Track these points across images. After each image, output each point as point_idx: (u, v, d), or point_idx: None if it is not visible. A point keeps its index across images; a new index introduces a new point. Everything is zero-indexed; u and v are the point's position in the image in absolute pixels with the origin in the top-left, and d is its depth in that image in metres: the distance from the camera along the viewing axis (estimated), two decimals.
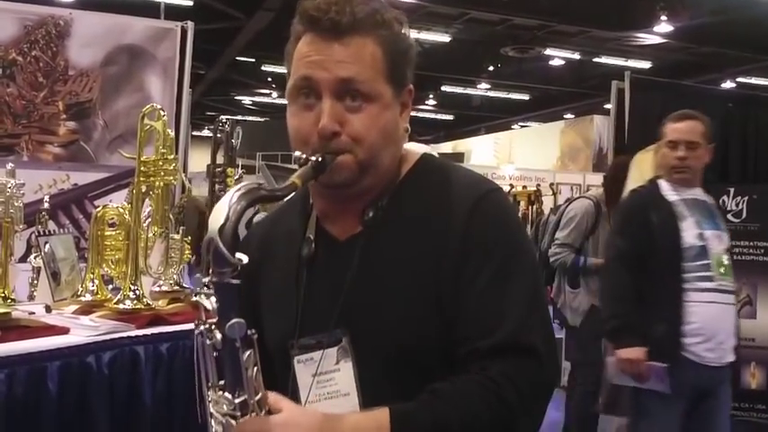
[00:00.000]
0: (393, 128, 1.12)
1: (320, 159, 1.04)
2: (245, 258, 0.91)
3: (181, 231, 2.66)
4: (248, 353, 0.93)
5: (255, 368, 0.94)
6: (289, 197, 1.05)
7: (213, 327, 0.92)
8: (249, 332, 0.92)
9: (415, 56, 1.16)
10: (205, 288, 0.92)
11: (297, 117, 1.10)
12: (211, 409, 0.95)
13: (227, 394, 0.93)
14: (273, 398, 0.97)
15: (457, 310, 1.05)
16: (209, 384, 0.95)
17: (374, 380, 1.07)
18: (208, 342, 0.93)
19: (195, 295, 0.92)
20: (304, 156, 1.05)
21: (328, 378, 1.09)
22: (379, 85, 1.09)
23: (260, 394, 0.95)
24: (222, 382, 0.94)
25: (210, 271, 0.91)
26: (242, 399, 0.93)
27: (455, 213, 1.09)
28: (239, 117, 19.85)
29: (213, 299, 0.91)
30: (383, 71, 1.09)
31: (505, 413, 1.00)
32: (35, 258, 2.67)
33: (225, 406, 0.93)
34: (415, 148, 1.23)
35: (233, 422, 0.93)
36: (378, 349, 1.06)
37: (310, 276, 1.14)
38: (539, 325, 1.07)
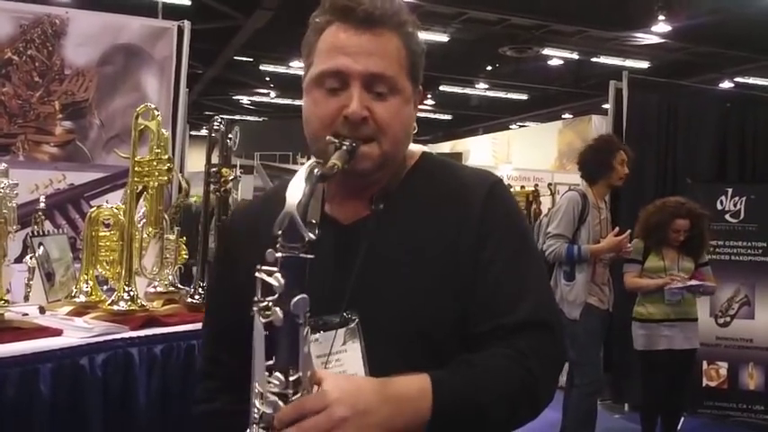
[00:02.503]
0: (410, 123, 1.18)
1: (353, 145, 1.08)
2: (313, 236, 0.93)
3: (176, 232, 2.65)
4: (306, 330, 0.94)
5: (309, 346, 0.95)
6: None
7: (272, 304, 0.92)
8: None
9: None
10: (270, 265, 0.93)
11: (320, 102, 1.12)
12: (259, 389, 0.95)
13: (277, 374, 0.93)
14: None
15: (477, 290, 1.11)
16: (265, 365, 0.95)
17: (383, 360, 1.08)
18: (261, 321, 0.93)
19: (258, 272, 0.93)
20: (337, 141, 1.08)
21: (335, 359, 1.10)
22: (402, 80, 1.14)
23: (310, 372, 0.96)
24: (273, 362, 0.94)
25: (279, 246, 0.93)
26: (296, 377, 0.93)
27: (470, 199, 1.15)
28: (237, 117, 19.86)
29: (279, 275, 0.92)
30: (406, 67, 1.15)
31: (533, 383, 1.07)
32: (30, 259, 2.65)
33: (275, 386, 0.93)
34: (413, 148, 1.25)
35: (280, 403, 0.93)
36: (388, 330, 1.09)
37: (315, 259, 1.14)
38: (551, 303, 1.18)
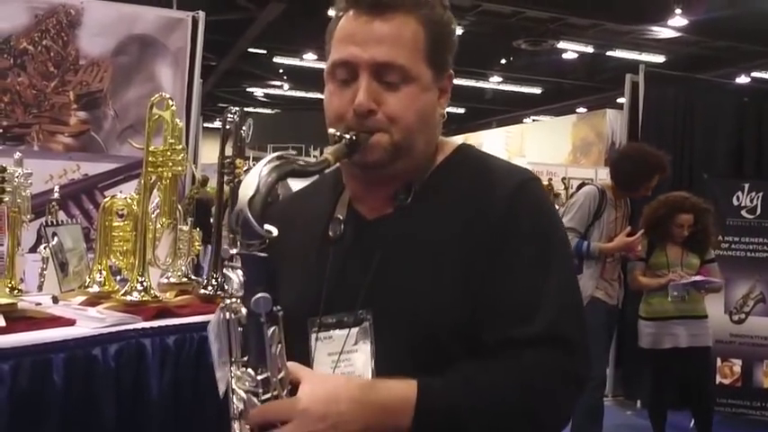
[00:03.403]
0: (430, 111, 1.12)
1: (354, 137, 1.04)
2: (274, 231, 0.90)
3: (189, 223, 2.65)
4: (273, 329, 0.92)
5: (279, 345, 0.93)
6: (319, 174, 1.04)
7: (238, 301, 0.91)
8: (274, 308, 0.91)
9: (457, 42, 1.15)
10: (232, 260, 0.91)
11: (334, 95, 1.09)
12: (233, 385, 0.94)
13: (249, 371, 0.92)
14: (293, 368, 0.97)
15: (490, 295, 1.03)
16: (233, 359, 0.94)
17: (393, 363, 1.04)
18: (232, 316, 0.92)
19: (224, 267, 0.92)
20: (338, 133, 1.05)
21: (345, 358, 1.08)
22: (418, 67, 1.08)
23: (283, 372, 0.93)
24: (245, 358, 0.93)
25: (238, 243, 0.91)
26: (264, 376, 0.92)
27: (494, 199, 1.07)
28: (251, 109, 19.87)
29: (240, 272, 0.90)
30: (423, 52, 1.08)
31: (533, 404, 1.00)
32: (44, 249, 2.66)
33: (247, 382, 0.92)
34: (450, 140, 1.22)
35: (255, 400, 0.92)
36: (402, 331, 1.05)
37: (336, 255, 1.12)
38: (573, 316, 1.06)
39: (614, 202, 4.01)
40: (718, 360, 4.98)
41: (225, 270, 0.92)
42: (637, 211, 4.26)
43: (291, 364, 0.97)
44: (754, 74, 13.38)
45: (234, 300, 0.92)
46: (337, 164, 1.06)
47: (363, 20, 1.06)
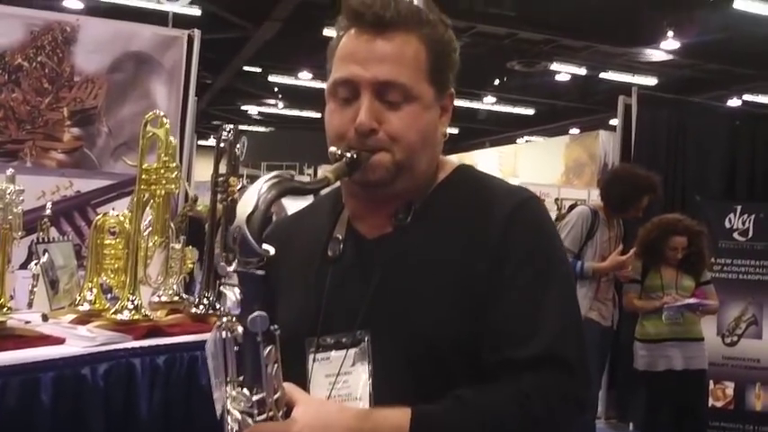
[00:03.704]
0: (432, 130, 1.11)
1: (355, 156, 1.03)
2: (272, 249, 0.89)
3: (182, 241, 2.63)
4: (269, 348, 0.91)
5: (276, 365, 0.92)
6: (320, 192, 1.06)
7: (235, 319, 0.90)
8: (271, 327, 0.90)
9: (459, 61, 1.14)
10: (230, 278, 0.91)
11: (335, 113, 1.09)
12: (228, 406, 0.92)
13: (245, 391, 0.91)
14: (289, 389, 0.95)
15: (490, 316, 1.03)
16: (228, 379, 0.93)
17: (391, 384, 1.03)
18: (229, 335, 0.91)
19: (220, 285, 0.91)
20: (339, 152, 1.04)
21: (343, 380, 1.07)
22: (420, 85, 1.08)
23: (278, 393, 0.92)
24: (242, 378, 0.92)
25: (236, 260, 0.90)
26: (260, 396, 0.91)
27: (493, 219, 1.07)
28: (245, 127, 19.89)
29: (237, 290, 0.90)
30: (425, 71, 1.08)
31: (531, 429, 0.99)
32: (35, 265, 2.63)
33: (242, 403, 0.91)
34: (450, 160, 1.22)
35: (249, 420, 0.91)
36: (401, 352, 1.04)
37: (335, 275, 1.12)
38: (573, 336, 1.05)
39: (607, 222, 4.03)
40: (711, 383, 4.97)
41: (222, 288, 0.91)
42: (630, 231, 4.27)
43: (287, 386, 0.96)
44: (746, 97, 13.48)
45: (230, 318, 0.91)
46: (337, 183, 1.05)
47: (365, 38, 1.06)
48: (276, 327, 0.91)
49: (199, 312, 2.41)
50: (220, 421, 0.99)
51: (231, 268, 0.90)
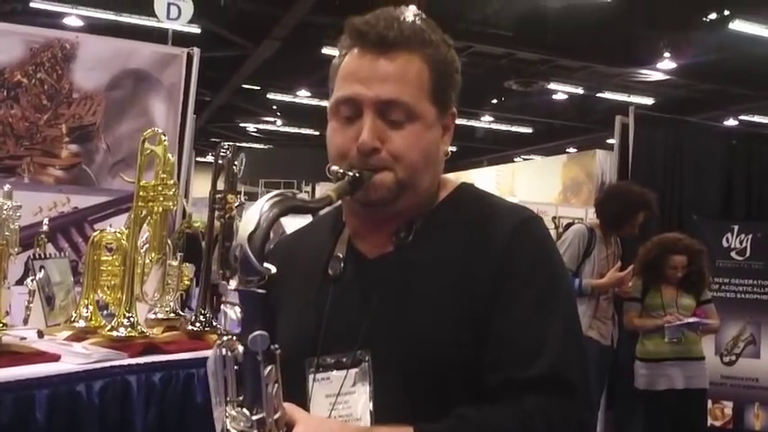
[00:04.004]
0: (434, 149, 1.11)
1: (358, 175, 1.03)
2: (273, 268, 0.89)
3: (179, 258, 2.63)
4: (269, 368, 0.90)
5: (276, 385, 0.91)
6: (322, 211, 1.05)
7: (235, 338, 0.90)
8: (272, 347, 0.90)
9: (461, 80, 1.15)
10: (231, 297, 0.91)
11: (337, 132, 1.09)
12: (228, 426, 0.91)
13: (244, 410, 0.90)
14: (289, 409, 0.95)
15: (491, 336, 1.02)
16: (228, 399, 0.92)
17: (391, 404, 1.03)
18: (229, 354, 0.90)
19: (222, 304, 0.91)
20: (341, 170, 1.04)
21: (344, 400, 1.06)
22: (422, 105, 1.08)
23: (279, 413, 0.92)
24: (241, 398, 0.91)
25: (237, 278, 0.90)
26: (260, 416, 0.90)
27: (494, 238, 1.06)
28: (243, 144, 19.92)
29: (237, 309, 0.89)
30: (428, 90, 1.08)
31: None
32: (31, 282, 2.63)
33: (242, 422, 0.90)
34: (451, 179, 1.21)
35: None
36: (401, 372, 1.03)
37: (335, 294, 1.11)
38: (575, 356, 1.04)
39: (604, 239, 4.03)
40: (710, 402, 4.95)
41: (222, 306, 0.91)
42: (628, 249, 4.27)
43: (287, 405, 0.95)
44: (742, 117, 13.56)
45: (230, 336, 0.91)
46: (339, 202, 1.05)
47: (368, 58, 1.06)
48: (276, 346, 0.91)
49: (195, 329, 2.40)
50: None
51: (232, 286, 0.91)
